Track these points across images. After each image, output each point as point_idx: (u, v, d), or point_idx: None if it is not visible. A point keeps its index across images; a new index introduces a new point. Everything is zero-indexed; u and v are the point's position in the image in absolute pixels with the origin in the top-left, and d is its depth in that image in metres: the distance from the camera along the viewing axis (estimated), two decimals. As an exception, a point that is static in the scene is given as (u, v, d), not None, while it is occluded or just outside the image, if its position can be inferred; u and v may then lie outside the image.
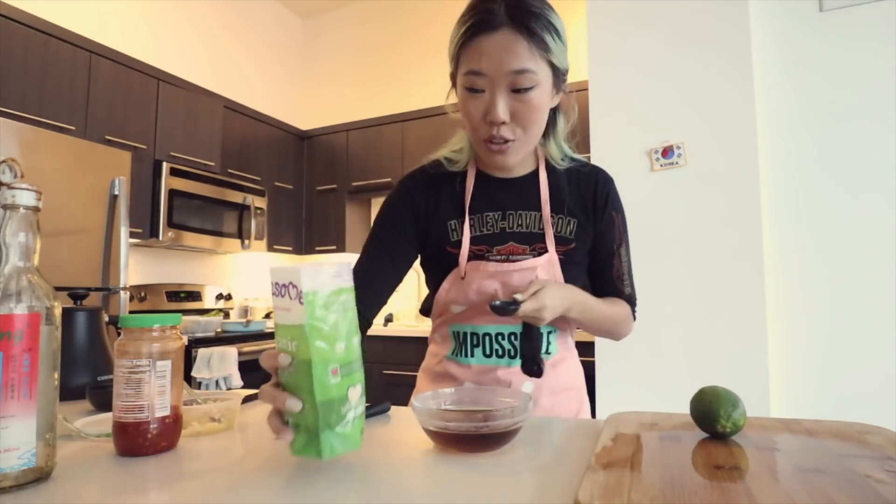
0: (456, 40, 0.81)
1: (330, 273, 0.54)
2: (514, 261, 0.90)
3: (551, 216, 0.92)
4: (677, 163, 2.14)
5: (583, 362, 1.08)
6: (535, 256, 0.91)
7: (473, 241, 0.92)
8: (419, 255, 0.99)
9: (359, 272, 0.94)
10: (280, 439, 0.55)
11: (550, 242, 0.91)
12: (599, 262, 0.97)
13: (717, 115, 2.09)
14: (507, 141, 0.83)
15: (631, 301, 0.99)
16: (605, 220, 0.94)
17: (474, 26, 0.78)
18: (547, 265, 0.90)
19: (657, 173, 2.18)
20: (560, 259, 0.91)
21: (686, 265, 2.09)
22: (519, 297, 0.79)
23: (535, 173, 0.94)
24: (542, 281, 0.83)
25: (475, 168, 0.96)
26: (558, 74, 0.83)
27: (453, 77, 0.86)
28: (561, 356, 0.97)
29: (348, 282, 0.57)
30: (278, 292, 0.54)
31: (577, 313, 0.87)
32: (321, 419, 0.52)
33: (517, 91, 0.79)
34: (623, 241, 0.96)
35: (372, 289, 0.91)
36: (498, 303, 0.80)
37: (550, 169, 0.95)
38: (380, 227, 0.97)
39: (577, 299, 0.87)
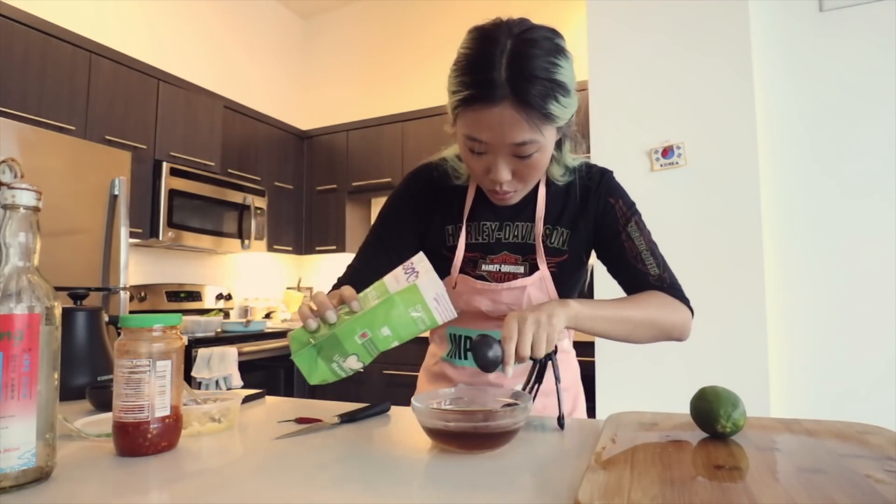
0: (453, 101, 0.75)
1: (438, 294, 0.67)
2: (505, 273, 0.90)
3: (545, 227, 0.90)
4: (677, 163, 2.14)
5: (583, 362, 1.07)
6: (526, 268, 0.90)
7: (468, 247, 0.92)
8: None
9: (356, 266, 0.94)
10: (304, 324, 0.67)
11: (541, 259, 0.89)
12: (610, 248, 0.90)
13: (717, 115, 2.09)
14: (508, 192, 0.83)
15: (665, 285, 0.87)
16: (602, 206, 0.90)
17: (473, 98, 0.72)
18: (539, 283, 0.89)
19: (657, 173, 2.17)
20: (553, 272, 0.89)
21: (686, 265, 2.07)
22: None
23: (535, 188, 0.92)
24: (514, 314, 0.70)
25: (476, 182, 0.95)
26: (563, 127, 0.79)
27: (452, 116, 0.79)
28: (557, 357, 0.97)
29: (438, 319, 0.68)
30: (406, 268, 0.69)
31: (588, 320, 0.76)
32: (325, 343, 0.66)
33: (519, 156, 0.76)
34: (631, 221, 0.90)
35: (367, 283, 0.91)
36: (491, 355, 0.68)
37: (550, 184, 0.92)
38: (380, 224, 0.98)
39: (573, 303, 0.76)
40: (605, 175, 0.93)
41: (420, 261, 0.70)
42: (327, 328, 0.67)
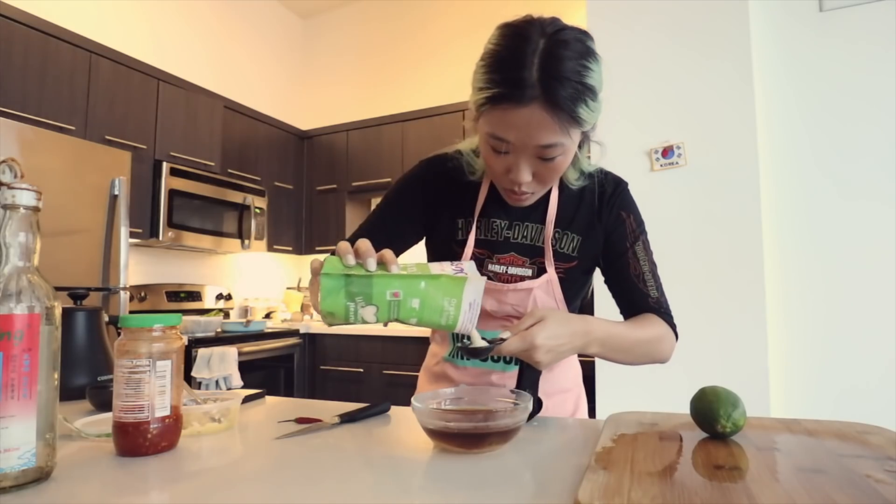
0: (479, 98, 0.73)
1: (474, 302, 0.67)
2: (511, 275, 0.89)
3: (556, 232, 0.90)
4: (677, 163, 2.14)
5: (582, 363, 1.07)
6: (533, 271, 0.89)
7: (477, 244, 0.91)
8: (426, 248, 0.99)
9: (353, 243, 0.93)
10: (341, 255, 0.65)
11: (550, 263, 0.89)
12: (614, 262, 0.91)
13: (717, 115, 2.09)
14: (526, 193, 0.82)
15: (661, 309, 0.88)
16: (613, 219, 0.90)
17: (502, 97, 0.70)
18: (546, 286, 0.88)
19: (657, 173, 2.18)
20: (560, 277, 0.89)
21: (686, 265, 2.09)
22: (505, 334, 0.70)
23: (548, 190, 0.91)
24: (542, 312, 0.72)
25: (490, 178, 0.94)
26: (587, 131, 0.79)
27: (476, 112, 0.77)
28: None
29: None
30: (455, 266, 0.69)
31: (598, 348, 0.78)
32: (356, 281, 0.64)
33: (543, 158, 0.75)
34: (639, 241, 0.90)
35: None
36: (468, 343, 0.70)
37: (563, 187, 0.91)
38: (386, 205, 0.97)
39: (596, 333, 0.77)
40: (619, 186, 0.93)
41: (471, 266, 0.70)
42: (363, 271, 0.65)
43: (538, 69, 0.68)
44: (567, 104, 0.69)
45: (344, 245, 0.66)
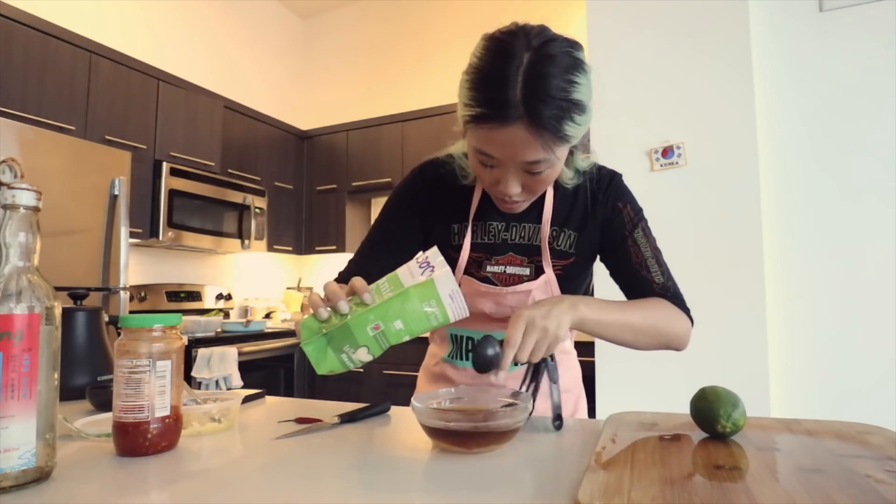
0: (464, 113, 0.73)
1: (453, 291, 0.67)
2: (510, 274, 0.89)
3: (552, 230, 0.90)
4: (677, 163, 2.14)
5: (582, 363, 1.07)
6: (531, 269, 0.89)
7: (474, 247, 0.91)
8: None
9: (358, 262, 0.93)
10: (316, 313, 0.66)
11: (547, 263, 0.89)
12: (615, 253, 0.90)
13: (717, 115, 2.09)
14: (517, 201, 0.82)
15: (668, 293, 0.86)
16: (609, 210, 0.90)
17: (485, 116, 0.69)
18: (544, 286, 0.88)
19: (657, 173, 2.18)
20: (558, 275, 0.89)
21: (686, 265, 2.08)
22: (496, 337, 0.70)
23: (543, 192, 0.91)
24: (516, 311, 0.72)
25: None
26: (577, 144, 0.78)
27: (463, 126, 0.76)
28: (556, 359, 0.96)
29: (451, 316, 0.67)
30: (420, 262, 0.69)
31: (585, 310, 0.74)
32: (336, 333, 0.66)
33: (530, 172, 0.75)
34: (638, 227, 0.89)
35: (369, 279, 0.90)
36: (487, 351, 0.68)
37: (558, 186, 0.90)
38: (384, 219, 0.97)
39: (573, 297, 0.76)
40: (614, 178, 0.92)
41: (435, 255, 0.69)
42: (338, 318, 0.66)
43: (522, 88, 0.67)
44: (551, 124, 0.68)
45: (314, 298, 0.68)
